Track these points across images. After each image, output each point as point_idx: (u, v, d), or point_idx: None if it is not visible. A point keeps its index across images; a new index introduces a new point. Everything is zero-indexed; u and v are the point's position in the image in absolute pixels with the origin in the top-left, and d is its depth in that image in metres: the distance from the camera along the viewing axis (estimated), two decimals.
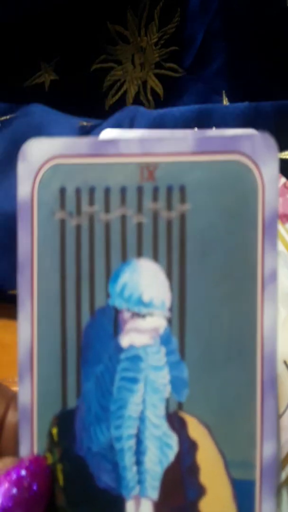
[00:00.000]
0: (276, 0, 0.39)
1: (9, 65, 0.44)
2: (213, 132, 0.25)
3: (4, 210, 0.39)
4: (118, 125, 0.40)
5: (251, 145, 0.23)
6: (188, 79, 0.43)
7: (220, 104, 0.42)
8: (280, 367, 0.28)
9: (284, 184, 0.32)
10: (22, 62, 0.44)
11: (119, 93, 0.44)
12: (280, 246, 0.30)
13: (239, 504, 0.24)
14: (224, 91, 0.42)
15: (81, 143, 0.24)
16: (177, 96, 0.43)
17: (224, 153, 0.24)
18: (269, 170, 0.23)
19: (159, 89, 0.43)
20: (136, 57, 0.43)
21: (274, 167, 0.23)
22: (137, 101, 0.44)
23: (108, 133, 0.31)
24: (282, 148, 0.38)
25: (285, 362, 0.28)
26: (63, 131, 0.42)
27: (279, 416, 0.27)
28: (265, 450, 0.24)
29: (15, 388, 0.25)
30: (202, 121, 0.38)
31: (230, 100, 0.42)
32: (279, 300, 0.33)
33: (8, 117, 0.43)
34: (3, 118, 0.43)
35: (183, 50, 0.42)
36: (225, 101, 0.42)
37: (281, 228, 0.31)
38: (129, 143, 0.24)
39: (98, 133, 0.35)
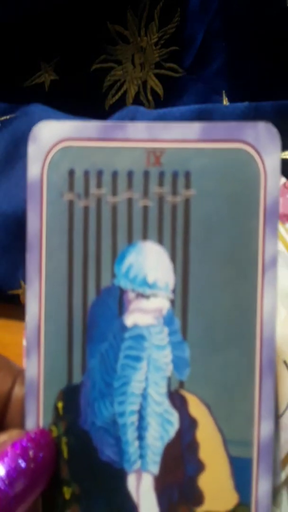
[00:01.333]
0: (276, 0, 0.39)
1: (9, 65, 0.43)
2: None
3: (3, 210, 0.39)
4: None
5: (255, 135, 0.24)
6: (188, 79, 0.42)
7: (220, 104, 0.41)
8: (280, 367, 0.28)
9: (284, 184, 0.32)
10: (22, 62, 0.43)
11: (119, 93, 0.43)
12: (280, 246, 0.30)
13: (236, 480, 0.24)
14: (224, 91, 0.41)
15: (90, 126, 0.24)
16: (177, 96, 0.43)
17: (228, 141, 0.24)
18: (271, 159, 0.24)
19: (159, 89, 0.43)
20: (136, 57, 0.43)
21: (276, 156, 0.24)
22: (137, 101, 0.43)
23: None
24: (282, 148, 0.38)
25: (285, 362, 0.28)
26: None
27: (279, 416, 0.27)
28: (263, 430, 0.24)
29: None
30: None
31: (230, 100, 0.41)
32: (279, 300, 0.33)
33: (8, 117, 0.42)
34: (3, 118, 0.42)
35: (183, 50, 0.42)
36: (225, 101, 0.41)
37: (281, 228, 0.31)
38: (137, 128, 0.24)
39: None
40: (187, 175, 0.24)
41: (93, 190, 0.24)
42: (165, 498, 0.25)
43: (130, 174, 0.24)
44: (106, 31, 0.42)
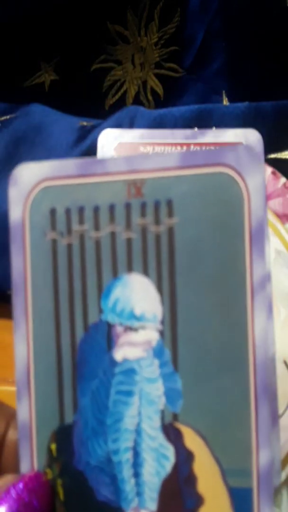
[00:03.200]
0: (276, 0, 0.38)
1: (9, 65, 0.43)
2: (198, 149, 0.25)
3: (3, 210, 0.38)
4: (118, 125, 0.39)
5: (235, 157, 0.23)
6: (188, 79, 0.42)
7: (220, 104, 0.41)
8: (280, 367, 0.27)
9: (284, 184, 0.32)
10: (22, 62, 0.43)
11: (119, 93, 0.43)
12: (280, 246, 0.30)
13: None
14: (224, 91, 0.41)
15: (69, 164, 0.24)
16: (177, 96, 0.42)
17: (209, 166, 0.23)
18: (254, 180, 0.23)
19: (159, 89, 0.42)
20: (136, 57, 0.42)
21: (259, 177, 0.23)
22: (137, 101, 0.43)
23: (108, 133, 0.31)
24: (282, 148, 0.38)
25: (285, 362, 0.27)
26: (63, 131, 0.41)
27: (279, 416, 0.26)
28: (261, 458, 0.23)
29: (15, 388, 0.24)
30: (202, 121, 0.38)
31: (230, 100, 0.41)
32: (279, 300, 0.33)
33: (8, 117, 0.42)
34: (3, 118, 0.42)
35: (183, 50, 0.41)
36: (225, 101, 0.41)
37: (281, 228, 0.31)
38: (116, 162, 0.24)
39: (98, 133, 0.34)
40: (169, 203, 0.23)
41: (75, 227, 0.24)
42: None
43: (111, 208, 0.24)
44: (106, 31, 0.42)
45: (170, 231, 0.23)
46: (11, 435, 0.25)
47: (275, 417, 0.29)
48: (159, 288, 0.24)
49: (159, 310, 0.24)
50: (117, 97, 0.43)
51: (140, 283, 0.24)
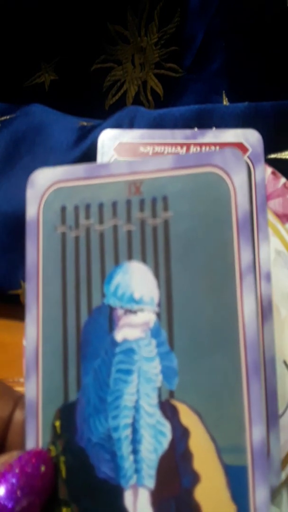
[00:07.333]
0: (276, 0, 0.36)
1: (9, 65, 0.41)
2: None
3: (3, 210, 0.37)
4: (118, 125, 0.38)
5: (222, 159, 0.24)
6: (188, 79, 0.40)
7: (220, 104, 0.39)
8: (280, 367, 0.27)
9: (284, 184, 0.32)
10: (22, 62, 0.41)
11: (119, 93, 0.41)
12: (280, 246, 0.30)
13: (232, 491, 0.22)
14: (224, 91, 0.39)
15: (79, 169, 0.25)
16: (177, 96, 0.40)
17: (199, 166, 0.24)
18: (239, 177, 0.24)
19: (159, 89, 0.40)
20: (136, 57, 0.40)
21: (243, 175, 0.24)
22: (137, 101, 0.41)
23: (108, 133, 0.30)
24: (282, 148, 0.36)
25: (285, 362, 0.27)
26: (63, 131, 0.39)
27: (279, 416, 0.25)
28: (254, 434, 0.22)
29: (15, 388, 0.24)
30: (202, 121, 0.36)
31: (230, 100, 0.39)
32: (279, 300, 0.32)
33: (8, 117, 0.40)
34: (3, 118, 0.40)
35: (183, 50, 0.39)
36: (225, 101, 0.39)
37: (281, 228, 0.30)
38: (119, 165, 0.25)
39: (98, 133, 0.33)
40: (165, 199, 0.24)
41: (82, 221, 0.25)
42: None
43: (114, 204, 0.25)
44: (106, 31, 0.40)
45: (166, 223, 0.24)
46: (18, 415, 0.25)
47: (275, 416, 0.28)
48: (156, 274, 0.24)
49: (156, 294, 0.24)
50: (117, 97, 0.41)
51: (139, 269, 0.24)
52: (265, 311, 0.30)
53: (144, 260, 0.24)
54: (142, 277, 0.24)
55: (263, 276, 0.30)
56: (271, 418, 0.27)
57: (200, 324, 0.23)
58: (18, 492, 0.22)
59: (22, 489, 0.22)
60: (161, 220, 0.24)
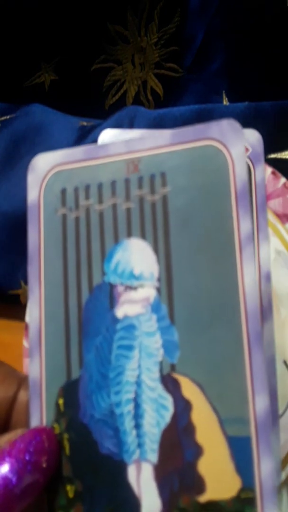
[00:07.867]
0: (276, 0, 0.36)
1: (9, 65, 0.41)
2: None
3: (3, 210, 0.37)
4: (118, 125, 0.38)
5: (220, 131, 0.24)
6: (188, 79, 0.40)
7: (220, 104, 0.38)
8: (280, 367, 0.26)
9: (284, 184, 0.31)
10: (22, 62, 0.41)
11: (119, 93, 0.41)
12: (280, 246, 0.29)
13: (237, 462, 0.22)
14: (224, 91, 0.39)
15: (77, 151, 0.26)
16: (177, 96, 0.40)
17: (197, 140, 0.24)
18: (236, 149, 0.24)
19: (159, 89, 0.40)
20: (136, 57, 0.40)
21: (241, 146, 0.24)
22: (137, 101, 0.41)
23: (108, 133, 0.31)
24: (282, 148, 0.36)
25: (285, 362, 0.26)
26: (63, 131, 0.39)
27: (279, 416, 0.25)
28: (258, 405, 0.22)
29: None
30: (202, 121, 0.34)
31: (230, 100, 0.39)
32: (279, 300, 0.31)
33: (8, 117, 0.40)
34: (3, 118, 0.40)
35: (183, 50, 0.39)
36: (225, 101, 0.39)
37: (281, 228, 0.30)
38: (116, 145, 0.25)
39: (98, 133, 0.33)
40: (163, 175, 0.24)
41: (82, 202, 0.25)
42: (166, 488, 0.22)
43: (113, 184, 0.25)
44: (106, 31, 0.40)
45: (164, 198, 0.24)
46: (22, 395, 0.25)
47: (275, 416, 0.27)
48: (156, 249, 0.24)
49: (156, 269, 0.24)
50: (117, 97, 0.41)
51: (138, 246, 0.24)
52: (265, 311, 0.30)
53: (143, 236, 0.24)
54: (142, 253, 0.24)
55: (263, 276, 0.30)
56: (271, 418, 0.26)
57: (200, 296, 0.23)
58: (23, 469, 0.22)
59: (26, 466, 0.22)
60: (160, 196, 0.24)
